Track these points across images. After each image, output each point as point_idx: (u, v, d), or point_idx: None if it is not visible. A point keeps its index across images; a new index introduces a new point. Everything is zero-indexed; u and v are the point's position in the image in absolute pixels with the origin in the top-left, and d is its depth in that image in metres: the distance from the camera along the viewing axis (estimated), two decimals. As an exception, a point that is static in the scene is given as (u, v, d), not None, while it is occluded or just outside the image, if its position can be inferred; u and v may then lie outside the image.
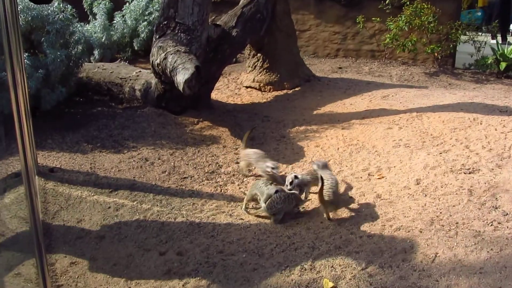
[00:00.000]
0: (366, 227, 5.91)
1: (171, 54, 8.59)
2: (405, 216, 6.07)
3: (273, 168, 6.92)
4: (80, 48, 10.12)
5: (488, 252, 5.23)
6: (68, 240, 5.86)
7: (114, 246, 5.74)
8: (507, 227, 5.68)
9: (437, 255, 5.23)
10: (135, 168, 7.56)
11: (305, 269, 5.13)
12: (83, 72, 10.68)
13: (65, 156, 7.84)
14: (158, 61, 8.82)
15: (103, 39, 13.98)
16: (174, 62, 8.31)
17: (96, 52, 13.78)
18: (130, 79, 10.44)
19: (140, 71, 10.66)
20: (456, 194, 6.48)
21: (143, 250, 5.63)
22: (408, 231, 5.72)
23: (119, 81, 10.56)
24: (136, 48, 14.80)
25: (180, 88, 7.93)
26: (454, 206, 6.21)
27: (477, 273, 4.90)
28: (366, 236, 5.69)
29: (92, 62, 12.92)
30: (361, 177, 7.40)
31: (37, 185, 6.78)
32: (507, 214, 5.94)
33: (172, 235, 5.96)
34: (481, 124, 8.89)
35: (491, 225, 5.75)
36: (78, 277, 5.18)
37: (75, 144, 8.22)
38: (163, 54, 8.70)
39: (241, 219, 6.37)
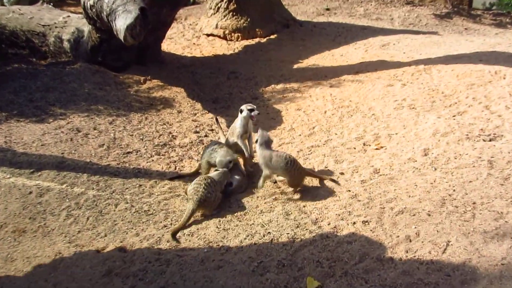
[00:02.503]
0: (360, 210, 5.90)
1: (108, -8, 8.37)
2: (409, 196, 6.08)
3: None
4: (-13, -14, 9.83)
5: (512, 238, 5.29)
6: (-23, 236, 5.74)
7: (38, 243, 5.63)
8: (536, 207, 5.75)
9: (449, 243, 5.25)
10: (64, 142, 7.41)
11: (284, 266, 5.09)
12: (-7, 18, 10.36)
13: (-29, 127, 7.65)
14: (91, 2, 8.59)
15: (19, -25, 13.56)
16: (113, 3, 8.10)
17: (10, -8, 13.38)
18: (56, 27, 10.18)
19: (68, 16, 10.40)
20: (473, 167, 6.52)
21: (75, 247, 5.54)
22: (414, 215, 5.72)
23: (41, 30, 10.28)
24: (63, -14, 14.43)
25: (121, 36, 7.74)
26: (470, 182, 6.23)
27: (498, 265, 4.93)
28: (361, 222, 5.68)
29: (5, 6, 12.56)
30: (355, 148, 7.39)
31: None
32: (536, 190, 6.01)
33: (112, 226, 5.88)
34: (504, 78, 8.93)
35: (517, 204, 5.82)
36: (-10, 283, 5.09)
37: (-16, 112, 8.02)
38: (98, -7, 8.48)
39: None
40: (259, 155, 6.45)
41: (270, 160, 6.32)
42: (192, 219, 5.99)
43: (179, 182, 6.80)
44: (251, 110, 6.84)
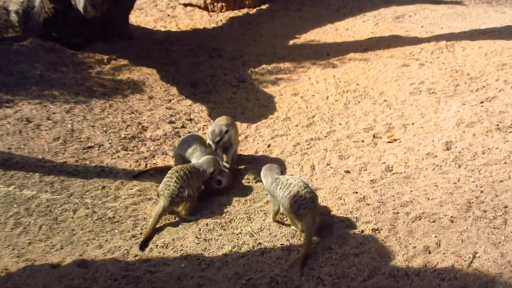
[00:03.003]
0: (370, 216, 5.91)
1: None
2: (428, 198, 6.09)
3: None
4: None
5: (551, 248, 5.30)
6: None
7: (-21, 257, 5.61)
8: None
9: (476, 255, 5.25)
10: (11, 134, 7.38)
11: (278, 283, 5.08)
12: None
13: None
14: (43, -36, 8.55)
15: None
16: (69, -34, 8.06)
17: None
18: (1, -5, 10.14)
19: (16, -18, 10.36)
20: (505, 163, 6.53)
21: (25, 261, 5.49)
22: (433, 221, 5.73)
23: (-18, -2, 10.25)
24: None
25: (80, 7, 7.70)
26: (501, 181, 6.25)
27: (535, 281, 4.96)
28: (370, 230, 5.68)
29: None
30: (362, 141, 7.40)
31: None
32: None
33: (70, 237, 5.85)
34: (542, 57, 8.97)
35: (556, 208, 5.83)
36: None
37: None
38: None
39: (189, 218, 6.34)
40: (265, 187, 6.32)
41: (274, 190, 5.99)
42: (162, 222, 6.00)
43: (151, 182, 6.76)
44: (213, 142, 6.89)
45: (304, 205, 5.61)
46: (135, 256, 5.56)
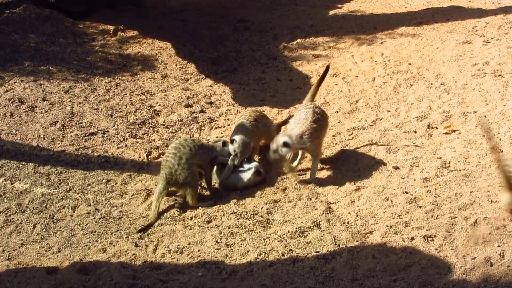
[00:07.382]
0: (421, 220, 5.90)
1: None
2: (491, 201, 6.07)
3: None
4: None
5: None
6: None
7: (-35, 259, 5.69)
8: None
9: (548, 269, 5.27)
10: (1, 118, 7.45)
11: (311, 298, 5.13)
12: None
13: None
14: None
15: None
16: None
17: None
18: (-9, -48, 10.23)
19: None
20: None
21: (17, 265, 5.55)
22: (497, 228, 5.70)
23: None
24: None
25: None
26: None
27: None
28: (422, 237, 5.67)
29: None
30: (415, 131, 7.40)
31: None
32: None
33: (69, 238, 5.90)
34: None
35: None
36: None
37: None
38: None
39: (199, 204, 6.42)
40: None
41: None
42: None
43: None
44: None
45: None
46: (144, 262, 5.58)
